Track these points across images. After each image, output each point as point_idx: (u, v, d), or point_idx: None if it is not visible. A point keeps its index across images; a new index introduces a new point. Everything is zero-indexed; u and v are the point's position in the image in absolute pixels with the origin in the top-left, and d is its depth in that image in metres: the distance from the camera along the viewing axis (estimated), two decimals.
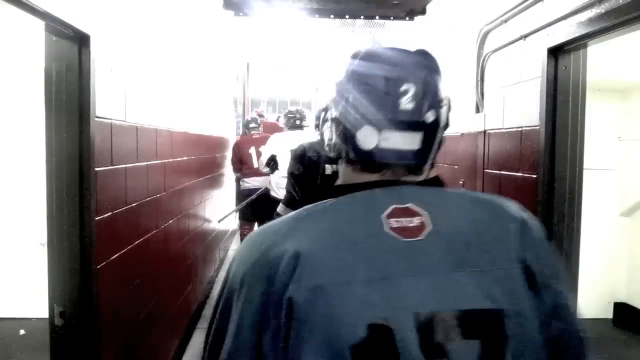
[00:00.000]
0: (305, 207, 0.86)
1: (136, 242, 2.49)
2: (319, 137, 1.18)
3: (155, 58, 2.82)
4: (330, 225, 0.80)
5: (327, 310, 0.73)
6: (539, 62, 2.14)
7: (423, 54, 0.91)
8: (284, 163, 3.41)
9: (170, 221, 3.19)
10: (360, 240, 0.78)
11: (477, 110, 2.83)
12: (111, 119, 2.11)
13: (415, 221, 0.79)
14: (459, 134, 3.13)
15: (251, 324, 0.76)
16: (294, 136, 4.03)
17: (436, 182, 0.89)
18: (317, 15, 4.16)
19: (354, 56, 0.91)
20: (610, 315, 4.33)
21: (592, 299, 4.18)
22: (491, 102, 2.70)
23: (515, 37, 2.38)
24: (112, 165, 2.13)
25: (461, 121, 3.09)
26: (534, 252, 0.80)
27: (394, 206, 0.80)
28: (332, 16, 4.18)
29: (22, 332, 3.80)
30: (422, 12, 4.07)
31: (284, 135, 4.35)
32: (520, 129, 2.32)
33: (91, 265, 1.89)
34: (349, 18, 4.26)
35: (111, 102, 2.11)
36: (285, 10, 4.14)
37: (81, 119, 1.83)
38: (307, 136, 3.35)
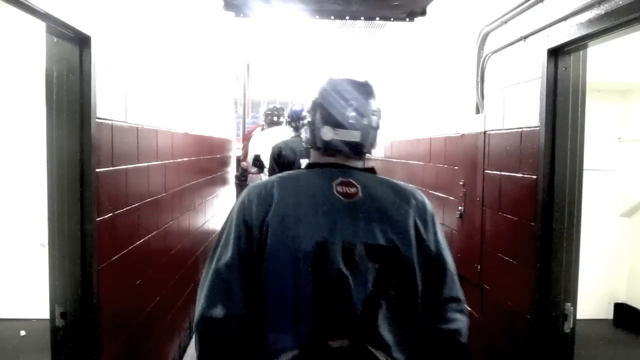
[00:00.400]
0: (287, 172, 1.49)
1: (137, 243, 2.50)
2: (293, 133, 1.94)
3: (156, 59, 2.83)
4: (299, 184, 1.41)
5: (289, 232, 1.29)
6: (539, 63, 2.15)
7: (364, 84, 1.50)
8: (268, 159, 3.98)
9: (171, 222, 3.20)
10: (317, 194, 1.36)
11: (478, 111, 2.83)
12: (112, 120, 2.12)
13: (352, 190, 1.37)
14: (459, 135, 3.13)
15: (241, 236, 1.32)
16: (274, 132, 4.54)
17: (370, 170, 1.48)
18: (317, 17, 4.16)
19: (326, 82, 1.51)
20: (610, 316, 4.34)
21: (593, 300, 4.19)
22: (491, 102, 2.70)
23: (515, 38, 2.39)
24: (112, 166, 2.13)
25: (461, 122, 3.10)
26: (422, 219, 1.39)
27: (341, 179, 1.38)
28: (332, 17, 4.18)
29: (22, 333, 3.80)
30: (422, 13, 4.07)
31: (265, 133, 4.73)
32: (520, 130, 2.33)
33: (92, 266, 1.90)
34: (349, 19, 4.27)
35: (112, 103, 2.12)
36: (285, 11, 4.14)
37: (82, 120, 1.84)
38: (285, 131, 3.81)
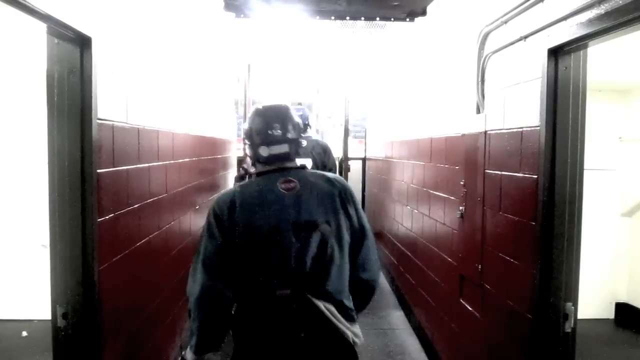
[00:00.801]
0: (244, 181, 2.04)
1: (138, 244, 2.50)
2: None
3: (157, 60, 2.83)
4: (254, 188, 1.89)
5: (253, 222, 1.80)
6: (539, 63, 2.15)
7: (283, 107, 2.02)
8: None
9: (172, 222, 3.20)
10: (267, 193, 1.84)
11: (478, 111, 2.83)
12: (113, 121, 2.12)
13: (292, 185, 1.85)
14: (459, 135, 3.13)
15: (218, 231, 1.83)
16: None
17: (301, 167, 1.98)
18: (317, 17, 4.16)
19: (253, 112, 2.01)
20: (612, 316, 4.34)
21: (594, 300, 4.19)
22: (492, 102, 2.70)
23: (516, 38, 2.39)
24: (113, 166, 2.14)
25: (462, 122, 3.10)
26: (346, 198, 1.91)
27: (282, 178, 1.87)
28: (333, 18, 4.18)
29: (24, 333, 3.81)
30: (423, 13, 4.07)
31: None
32: (520, 130, 2.33)
33: (93, 267, 1.90)
34: (349, 19, 4.26)
35: (113, 104, 2.12)
36: (285, 12, 4.15)
37: (83, 121, 1.84)
38: None
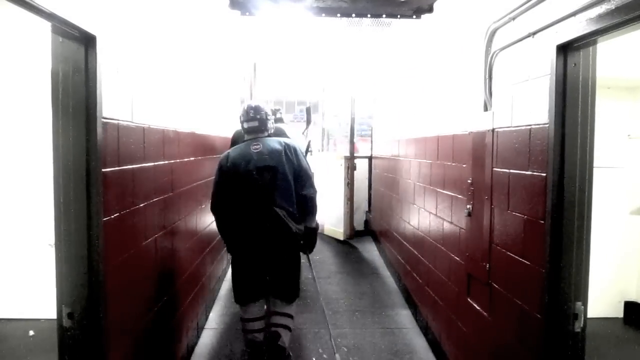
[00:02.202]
0: (235, 146, 3.56)
1: (143, 243, 2.50)
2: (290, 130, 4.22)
3: (162, 58, 2.83)
4: (238, 150, 3.37)
5: (236, 168, 3.25)
6: (548, 60, 2.12)
7: (257, 105, 3.49)
8: None
9: (178, 222, 3.19)
10: (244, 152, 3.31)
11: (485, 109, 2.80)
12: (118, 120, 2.11)
13: (258, 147, 3.32)
14: (467, 133, 3.11)
15: (219, 174, 3.36)
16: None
17: (269, 136, 3.47)
18: (323, 15, 4.13)
19: (243, 107, 3.57)
20: (620, 315, 4.30)
21: (603, 298, 4.15)
22: (499, 100, 2.67)
23: (524, 35, 2.36)
24: (119, 166, 2.13)
25: (469, 119, 3.07)
26: (290, 151, 3.34)
27: (253, 143, 3.35)
28: (338, 15, 4.15)
29: (31, 332, 3.82)
30: (430, 10, 4.03)
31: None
32: (529, 127, 2.30)
33: (99, 267, 1.90)
34: (355, 17, 4.23)
35: (118, 103, 2.12)
36: (291, 9, 4.12)
37: (88, 120, 1.84)
38: (290, 129, 4.74)
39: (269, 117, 3.48)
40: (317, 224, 3.59)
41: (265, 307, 3.48)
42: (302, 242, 3.45)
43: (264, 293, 3.43)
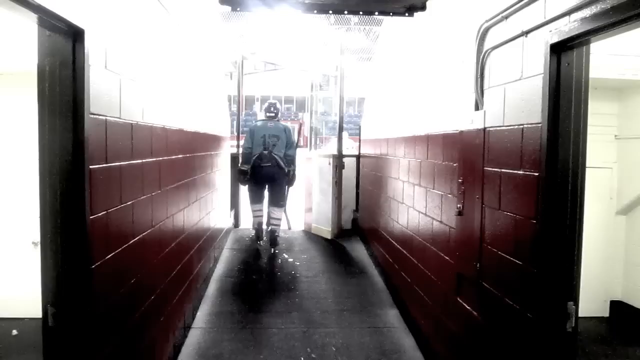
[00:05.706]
0: (258, 120, 7.07)
1: (131, 242, 2.46)
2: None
3: (151, 54, 2.78)
4: (259, 124, 6.80)
5: (255, 134, 6.66)
6: (541, 59, 2.12)
7: (275, 102, 7.13)
8: None
9: (166, 220, 3.15)
10: (262, 126, 6.73)
11: (477, 108, 2.80)
12: (106, 116, 2.07)
13: (272, 125, 6.74)
14: (457, 132, 3.10)
15: (250, 133, 6.78)
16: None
17: (278, 120, 6.92)
18: (315, 11, 4.10)
19: (268, 103, 7.16)
20: (606, 314, 4.34)
21: (589, 297, 4.18)
22: (491, 99, 2.67)
23: (517, 34, 2.35)
24: (106, 162, 2.09)
25: (460, 118, 3.06)
26: (286, 131, 6.74)
27: (269, 122, 6.78)
28: (330, 12, 4.12)
29: (14, 332, 3.75)
30: (422, 8, 4.02)
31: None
32: (521, 126, 2.30)
33: (85, 265, 1.86)
34: (347, 14, 4.21)
35: (106, 99, 2.07)
36: (282, 5, 4.08)
37: (75, 115, 1.79)
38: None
39: (280, 111, 6.98)
40: (294, 170, 6.71)
41: (264, 206, 6.86)
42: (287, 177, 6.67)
43: (263, 199, 6.84)
